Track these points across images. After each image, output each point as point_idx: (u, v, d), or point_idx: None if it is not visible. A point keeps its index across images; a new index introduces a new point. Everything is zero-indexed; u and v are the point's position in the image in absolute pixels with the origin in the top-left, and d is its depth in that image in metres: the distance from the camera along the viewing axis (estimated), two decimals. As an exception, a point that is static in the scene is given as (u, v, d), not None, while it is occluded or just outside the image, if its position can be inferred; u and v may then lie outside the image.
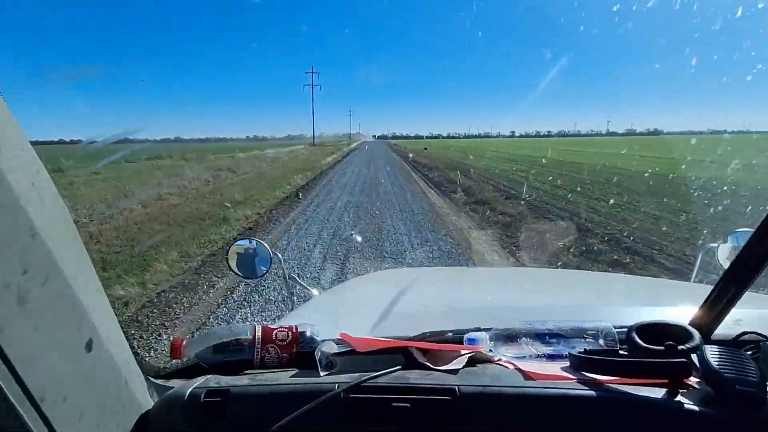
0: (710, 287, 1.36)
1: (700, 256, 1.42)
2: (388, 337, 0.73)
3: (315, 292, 1.62)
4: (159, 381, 0.66)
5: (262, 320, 3.78)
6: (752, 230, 1.46)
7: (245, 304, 4.03)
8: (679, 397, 0.54)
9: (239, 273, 1.56)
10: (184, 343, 0.68)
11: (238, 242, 1.58)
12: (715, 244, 1.42)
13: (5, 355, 0.36)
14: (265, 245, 1.51)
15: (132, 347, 0.60)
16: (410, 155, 31.48)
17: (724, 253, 1.40)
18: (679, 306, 1.06)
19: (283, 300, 3.97)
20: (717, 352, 0.56)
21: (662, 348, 0.59)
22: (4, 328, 0.36)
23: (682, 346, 0.59)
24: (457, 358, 0.68)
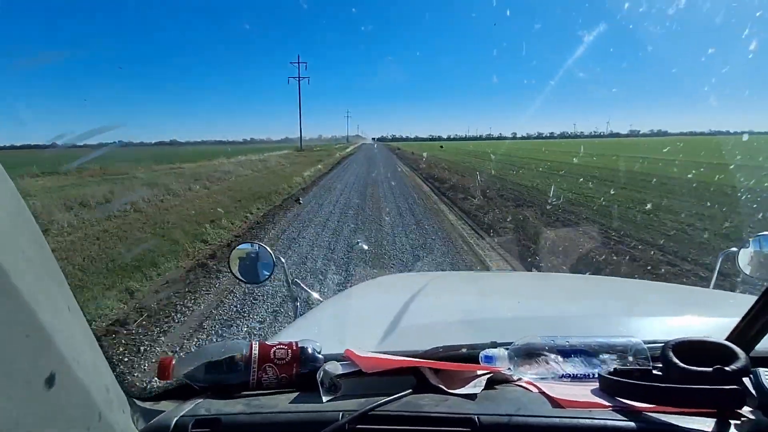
0: (731, 294, 1.29)
1: (720, 260, 1.36)
2: (397, 352, 0.66)
3: (319, 297, 1.56)
4: (146, 404, 0.60)
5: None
6: None
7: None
8: (732, 430, 0.47)
9: (242, 278, 1.51)
10: (174, 362, 0.62)
11: (240, 246, 1.53)
12: (735, 249, 1.35)
13: None
14: (268, 249, 1.45)
15: (114, 368, 0.54)
16: (429, 172, 18.05)
17: (745, 258, 1.33)
18: (706, 317, 1.00)
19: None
20: None
21: (708, 370, 0.52)
22: None
23: (730, 367, 0.52)
24: (473, 378, 0.61)
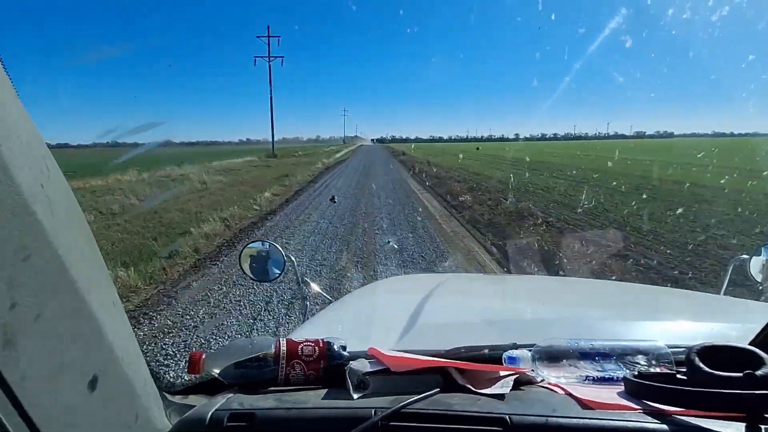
0: (744, 301, 1.29)
1: (731, 267, 1.36)
2: (418, 351, 0.67)
3: (328, 296, 1.57)
4: (176, 398, 0.60)
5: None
6: None
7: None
8: None
9: (252, 276, 1.51)
10: (204, 357, 0.62)
11: (251, 245, 1.54)
12: (746, 256, 1.36)
13: (7, 385, 0.31)
14: (279, 248, 1.46)
15: (147, 363, 0.54)
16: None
17: (757, 266, 1.34)
18: (724, 322, 1.00)
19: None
20: None
21: (738, 375, 0.53)
22: (16, 344, 0.31)
23: (760, 372, 0.53)
24: (498, 379, 0.62)
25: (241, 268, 1.50)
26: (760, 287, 1.38)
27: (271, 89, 44.62)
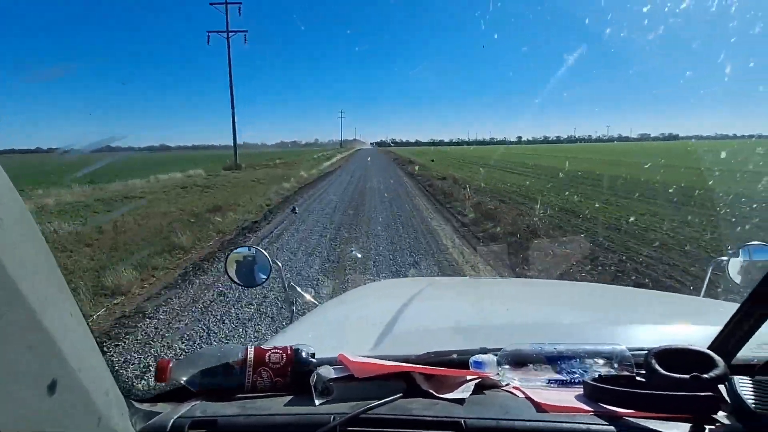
0: (720, 302, 1.31)
1: (710, 269, 1.38)
2: (389, 357, 0.68)
3: (314, 301, 1.58)
4: (143, 406, 0.61)
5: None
6: (765, 244, 1.41)
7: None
8: None
9: (238, 281, 1.53)
10: (171, 365, 0.63)
11: (237, 250, 1.55)
12: (725, 258, 1.38)
13: None
14: (265, 253, 1.48)
15: (113, 370, 0.55)
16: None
17: (735, 267, 1.35)
18: (692, 325, 1.02)
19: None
20: (747, 384, 0.51)
21: (686, 377, 0.54)
22: None
23: (707, 375, 0.54)
24: (462, 383, 0.63)
25: (227, 273, 1.51)
26: (741, 289, 1.40)
27: (230, 73, 29.69)
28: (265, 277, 1.48)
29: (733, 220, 7.87)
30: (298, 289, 1.61)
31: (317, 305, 1.51)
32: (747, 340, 0.62)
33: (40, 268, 0.42)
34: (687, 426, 0.50)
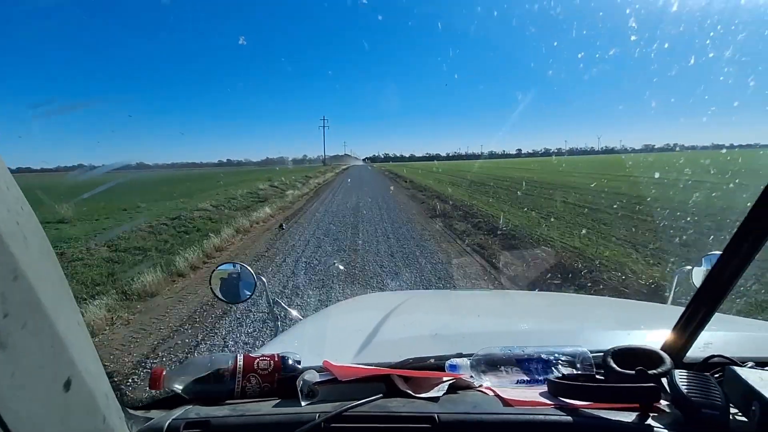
0: (682, 309, 1.40)
1: (676, 278, 1.47)
2: (371, 364, 0.73)
3: (299, 316, 1.62)
4: (138, 412, 0.65)
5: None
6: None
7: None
8: (649, 421, 0.56)
9: (223, 298, 1.55)
10: (164, 373, 0.67)
11: (221, 267, 1.58)
12: (689, 267, 1.47)
13: None
14: (249, 269, 1.51)
15: (110, 378, 0.59)
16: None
17: (698, 276, 1.45)
18: (654, 329, 1.09)
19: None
20: (685, 377, 0.58)
21: (632, 372, 0.61)
22: (6, 348, 0.37)
23: (653, 371, 0.61)
24: (438, 385, 0.69)
25: (212, 290, 1.53)
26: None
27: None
28: (249, 293, 1.51)
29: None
30: (283, 305, 1.64)
31: (301, 319, 1.55)
32: (694, 339, 0.69)
33: (54, 280, 0.46)
34: (634, 414, 0.57)
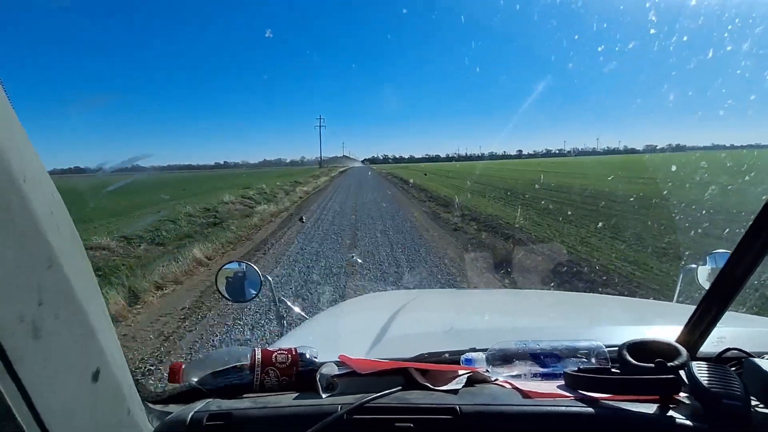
0: (692, 307, 1.42)
1: (681, 276, 1.48)
2: (385, 359, 0.74)
3: (304, 315, 1.62)
4: (157, 406, 0.65)
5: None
6: (729, 252, 1.53)
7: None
8: (669, 412, 0.56)
9: (228, 297, 1.55)
10: (183, 367, 0.67)
11: (227, 265, 1.58)
12: (694, 265, 1.48)
13: (21, 384, 0.37)
14: (255, 268, 1.51)
15: (131, 371, 0.59)
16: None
17: (704, 274, 1.46)
18: (664, 325, 1.10)
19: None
20: (704, 369, 0.58)
21: (652, 365, 0.61)
22: (18, 358, 0.37)
23: (671, 363, 0.61)
24: (455, 378, 0.69)
25: (217, 288, 1.54)
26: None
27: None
28: (255, 292, 1.51)
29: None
30: (288, 303, 1.65)
31: (306, 318, 1.55)
32: (708, 334, 0.70)
33: (83, 270, 0.46)
34: (654, 406, 0.57)
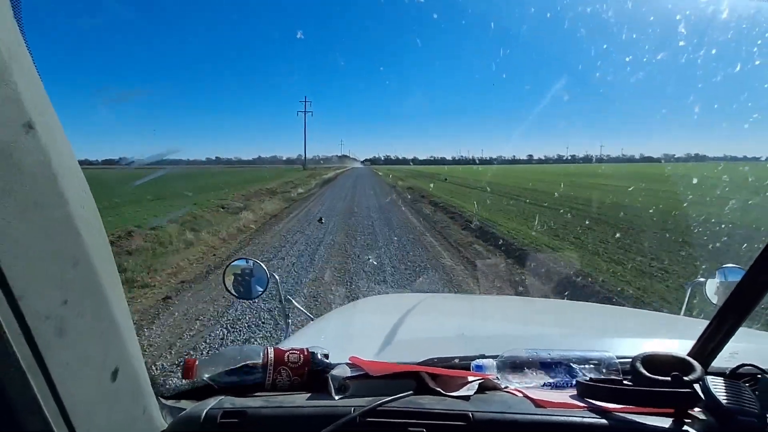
0: (699, 320, 1.41)
1: (689, 290, 1.48)
2: (395, 362, 0.74)
3: (309, 315, 1.62)
4: (169, 402, 0.65)
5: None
6: (738, 266, 1.52)
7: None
8: (684, 427, 0.56)
9: (234, 293, 1.56)
10: (197, 363, 0.68)
11: (235, 262, 1.58)
12: (702, 279, 1.47)
13: (51, 379, 0.37)
14: (263, 266, 1.51)
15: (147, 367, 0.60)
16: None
17: (712, 288, 1.45)
18: (673, 338, 1.10)
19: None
20: (719, 384, 0.58)
21: (668, 378, 0.61)
22: (46, 355, 0.38)
23: (687, 377, 0.61)
24: (465, 384, 0.69)
25: (224, 285, 1.54)
26: (717, 308, 1.49)
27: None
28: (261, 289, 1.51)
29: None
30: (294, 302, 1.65)
31: (312, 319, 1.55)
32: (721, 349, 0.70)
33: (108, 267, 0.47)
34: (668, 420, 0.57)
